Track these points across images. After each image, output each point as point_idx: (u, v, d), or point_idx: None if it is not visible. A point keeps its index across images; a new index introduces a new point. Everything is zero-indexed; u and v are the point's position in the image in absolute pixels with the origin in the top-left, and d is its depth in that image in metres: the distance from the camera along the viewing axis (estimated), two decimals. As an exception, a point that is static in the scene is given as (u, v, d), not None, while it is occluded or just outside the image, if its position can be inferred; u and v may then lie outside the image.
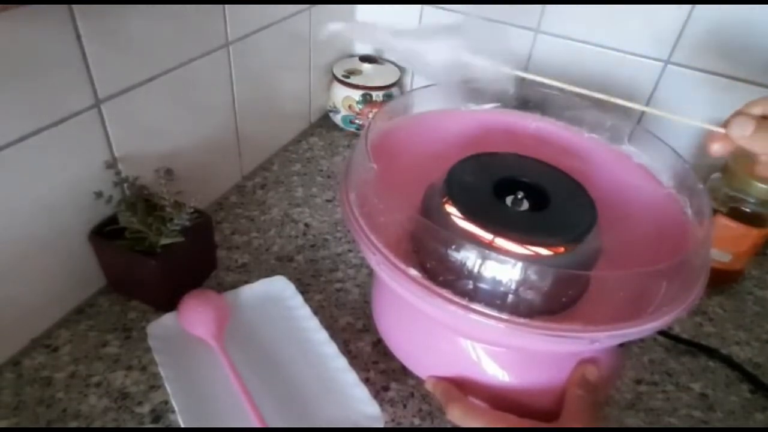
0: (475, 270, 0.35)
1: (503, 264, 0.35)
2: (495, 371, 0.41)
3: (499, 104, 0.52)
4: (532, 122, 0.52)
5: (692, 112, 0.69)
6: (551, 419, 0.39)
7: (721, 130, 0.35)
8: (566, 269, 0.37)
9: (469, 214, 0.38)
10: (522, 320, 0.34)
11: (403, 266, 0.36)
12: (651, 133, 0.47)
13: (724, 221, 0.58)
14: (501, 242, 0.37)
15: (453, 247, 0.36)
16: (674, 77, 0.68)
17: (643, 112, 0.72)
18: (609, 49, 0.70)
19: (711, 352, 0.55)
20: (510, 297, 0.36)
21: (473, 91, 0.52)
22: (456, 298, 0.35)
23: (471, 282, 0.36)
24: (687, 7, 0.63)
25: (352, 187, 0.41)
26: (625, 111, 0.41)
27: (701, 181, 0.43)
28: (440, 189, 0.41)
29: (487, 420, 0.38)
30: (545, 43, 0.74)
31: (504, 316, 0.34)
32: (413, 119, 0.51)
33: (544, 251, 0.37)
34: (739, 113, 0.35)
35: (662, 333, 0.56)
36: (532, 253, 0.37)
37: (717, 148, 0.36)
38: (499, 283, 0.35)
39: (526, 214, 0.41)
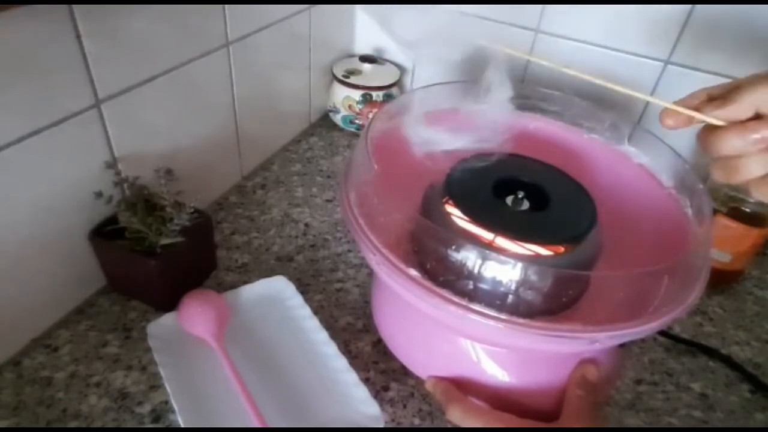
0: (476, 270, 0.35)
1: (503, 264, 0.35)
2: (495, 371, 0.41)
3: None
4: (531, 122, 0.52)
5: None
6: (551, 419, 0.39)
7: (714, 120, 0.33)
8: (566, 269, 0.37)
9: (469, 214, 0.38)
10: (522, 320, 0.34)
11: (403, 266, 0.36)
12: (651, 133, 0.47)
13: (724, 221, 0.58)
14: (501, 242, 0.37)
15: (453, 247, 0.36)
16: (674, 77, 0.68)
17: (643, 112, 0.72)
18: (609, 49, 0.70)
19: (710, 352, 0.55)
20: (510, 297, 0.36)
21: (472, 90, 0.52)
22: (456, 299, 0.35)
23: (471, 282, 0.36)
24: (687, 6, 0.63)
25: (352, 187, 0.41)
26: (625, 110, 0.41)
27: (701, 181, 0.43)
28: (440, 189, 0.41)
29: (486, 420, 0.38)
30: (545, 43, 0.74)
31: (504, 316, 0.34)
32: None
33: (544, 251, 0.37)
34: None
35: (662, 333, 0.56)
36: (532, 253, 0.37)
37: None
38: (500, 283, 0.35)
39: (526, 214, 0.41)
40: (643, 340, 0.56)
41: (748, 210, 0.57)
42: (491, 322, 0.34)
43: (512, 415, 0.38)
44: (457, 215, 0.39)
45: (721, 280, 0.62)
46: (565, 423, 0.38)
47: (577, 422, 0.38)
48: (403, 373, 0.50)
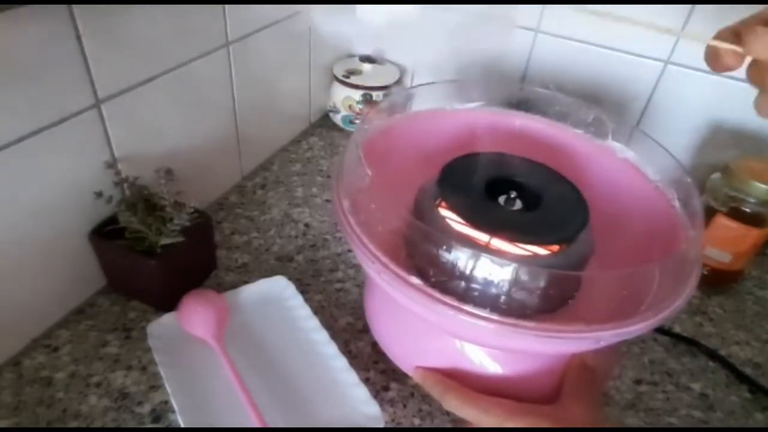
0: (478, 273, 0.35)
1: (507, 267, 0.34)
2: (493, 369, 0.41)
3: (483, 102, 0.52)
4: (516, 119, 0.51)
5: (692, 112, 0.70)
6: (548, 403, 0.39)
7: (735, 47, 0.31)
8: (566, 267, 0.37)
9: (464, 216, 0.38)
10: (531, 324, 0.33)
11: (404, 274, 0.35)
12: (640, 130, 0.47)
13: (724, 221, 0.58)
14: (498, 243, 0.37)
15: (451, 249, 0.36)
16: (674, 77, 0.68)
17: (643, 111, 0.72)
18: (609, 49, 0.70)
19: (699, 346, 0.55)
20: (513, 299, 0.35)
21: (460, 89, 0.51)
22: (464, 306, 0.34)
23: (474, 285, 0.35)
24: (687, 6, 0.64)
25: (345, 194, 0.41)
26: (624, 110, 0.41)
27: (696, 178, 0.42)
28: (432, 191, 0.41)
29: (485, 406, 0.38)
30: (545, 43, 0.74)
31: (512, 320, 0.33)
32: (399, 121, 0.51)
33: (541, 251, 0.37)
34: (752, 27, 0.31)
35: (661, 330, 0.56)
36: (530, 253, 0.37)
37: (730, 63, 0.32)
38: (499, 285, 0.35)
39: (519, 214, 0.40)
40: (643, 341, 0.56)
41: (748, 210, 0.57)
42: (499, 327, 0.33)
43: (510, 401, 0.38)
44: (451, 218, 0.38)
45: (721, 280, 0.62)
46: (564, 402, 0.38)
47: (576, 401, 0.38)
48: (403, 373, 0.50)
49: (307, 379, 0.48)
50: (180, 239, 0.50)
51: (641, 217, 0.45)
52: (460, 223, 0.38)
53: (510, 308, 0.35)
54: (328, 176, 0.76)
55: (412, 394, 0.49)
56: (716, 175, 0.60)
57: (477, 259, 0.35)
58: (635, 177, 0.47)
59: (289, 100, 0.79)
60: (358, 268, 0.61)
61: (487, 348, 0.40)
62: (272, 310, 0.54)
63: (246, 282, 0.56)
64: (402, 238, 0.40)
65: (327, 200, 0.71)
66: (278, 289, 0.55)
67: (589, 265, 0.40)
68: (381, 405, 0.46)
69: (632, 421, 0.49)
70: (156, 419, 0.45)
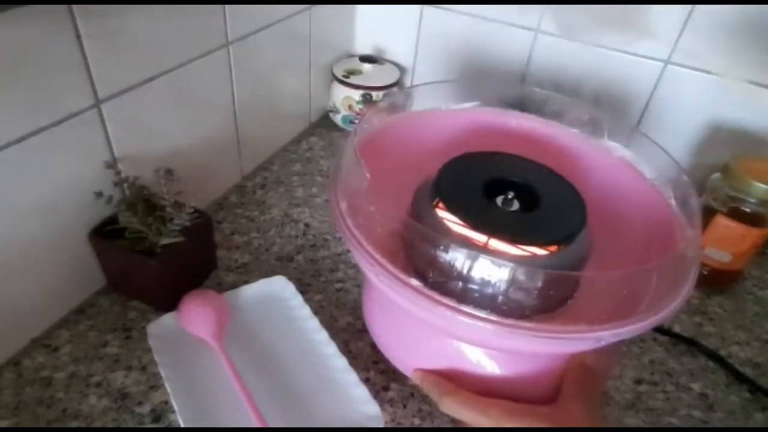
0: (476, 274, 0.35)
1: (505, 267, 0.34)
2: (493, 371, 0.41)
3: (479, 102, 0.52)
4: (512, 119, 0.51)
5: (692, 112, 0.70)
6: (547, 404, 0.39)
7: None
8: (564, 267, 0.37)
9: (461, 217, 0.38)
10: (529, 324, 0.33)
11: (403, 276, 0.35)
12: (637, 130, 0.47)
13: (724, 221, 0.58)
14: (497, 244, 0.37)
15: (449, 250, 0.35)
16: (674, 77, 0.68)
17: (642, 113, 0.72)
18: (609, 49, 0.70)
19: (699, 346, 0.55)
20: (511, 299, 0.35)
21: (459, 89, 0.51)
22: (462, 307, 0.34)
23: (472, 286, 0.35)
24: (687, 6, 0.63)
25: (343, 195, 0.40)
26: (624, 110, 0.40)
27: (696, 178, 0.42)
28: (429, 191, 0.41)
29: (483, 408, 0.38)
30: (545, 43, 0.74)
31: (511, 321, 0.33)
32: (396, 121, 0.51)
33: (539, 251, 0.37)
34: None
35: (660, 330, 0.56)
36: (529, 254, 0.37)
37: None
38: (503, 286, 0.35)
39: (517, 214, 0.40)
40: (643, 341, 0.56)
41: (748, 210, 0.57)
42: (498, 328, 0.33)
43: (508, 401, 0.38)
44: (449, 218, 0.38)
45: (721, 280, 0.62)
46: (563, 403, 0.38)
47: (575, 401, 0.38)
48: (402, 373, 0.50)
49: (307, 379, 0.48)
50: (180, 239, 0.50)
51: (639, 217, 0.45)
52: (457, 223, 0.38)
53: (508, 309, 0.35)
54: (328, 176, 0.76)
55: (412, 395, 0.49)
56: (716, 175, 0.60)
57: (475, 259, 0.35)
58: (632, 176, 0.46)
59: (289, 100, 0.79)
60: (358, 268, 0.61)
61: (486, 349, 0.40)
62: (272, 310, 0.54)
63: (246, 282, 0.56)
64: (399, 238, 0.40)
65: (327, 200, 0.71)
66: (278, 289, 0.55)
67: (587, 265, 0.40)
68: (381, 405, 0.46)
69: (632, 421, 0.49)
70: (156, 419, 0.45)
